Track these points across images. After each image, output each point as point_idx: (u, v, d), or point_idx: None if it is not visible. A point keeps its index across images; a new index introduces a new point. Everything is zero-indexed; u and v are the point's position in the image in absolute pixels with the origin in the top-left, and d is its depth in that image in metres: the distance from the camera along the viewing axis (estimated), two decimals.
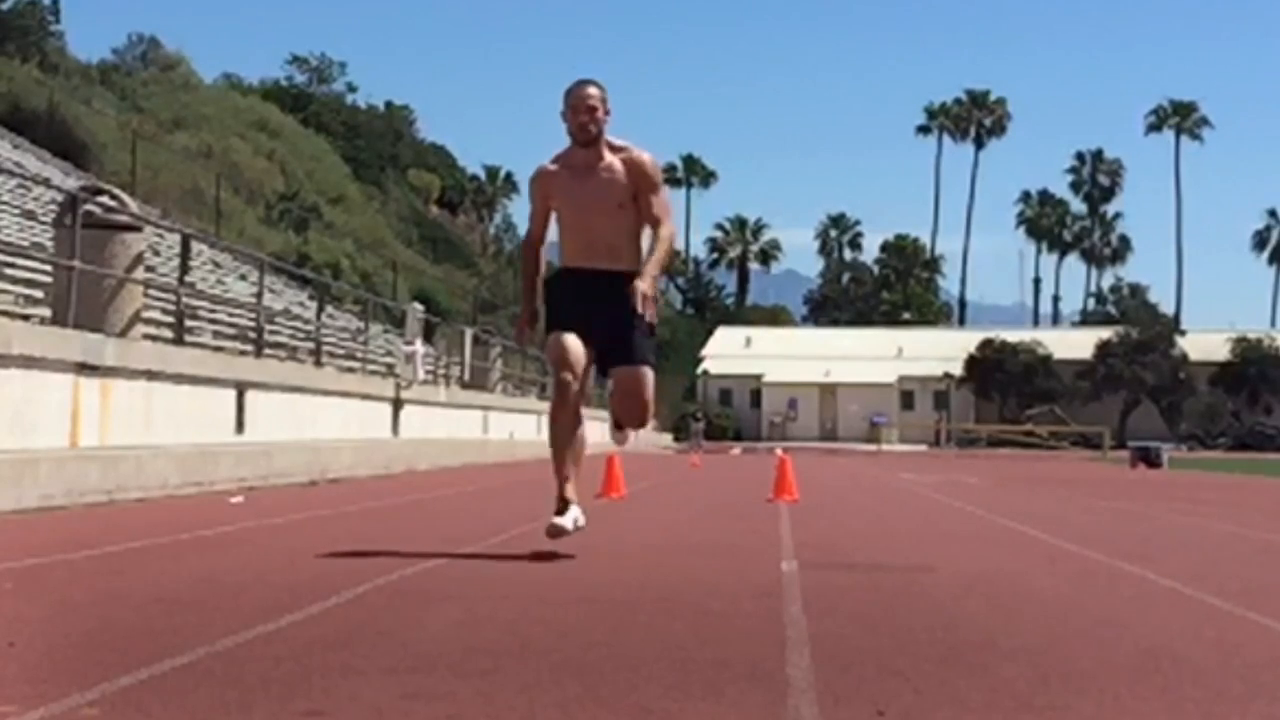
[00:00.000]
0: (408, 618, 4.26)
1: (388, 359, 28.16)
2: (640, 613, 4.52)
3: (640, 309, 5.96)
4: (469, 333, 31.03)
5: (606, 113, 6.22)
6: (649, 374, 6.27)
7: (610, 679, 3.29)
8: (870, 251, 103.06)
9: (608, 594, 4.99)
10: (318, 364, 20.79)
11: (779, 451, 22.23)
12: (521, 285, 6.59)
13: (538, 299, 6.41)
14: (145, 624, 4.06)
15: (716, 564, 6.29)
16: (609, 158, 6.21)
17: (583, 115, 6.17)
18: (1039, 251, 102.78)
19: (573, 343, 6.11)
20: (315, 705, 2.93)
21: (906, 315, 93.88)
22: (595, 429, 9.10)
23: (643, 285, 5.96)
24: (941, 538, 8.54)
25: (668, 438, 60.87)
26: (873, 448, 59.47)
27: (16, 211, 25.67)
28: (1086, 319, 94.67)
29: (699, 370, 79.28)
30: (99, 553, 6.18)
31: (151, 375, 11.89)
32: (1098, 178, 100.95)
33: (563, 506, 6.10)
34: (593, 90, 6.18)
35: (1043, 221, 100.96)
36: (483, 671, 3.35)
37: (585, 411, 6.38)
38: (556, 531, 6.07)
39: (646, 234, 6.30)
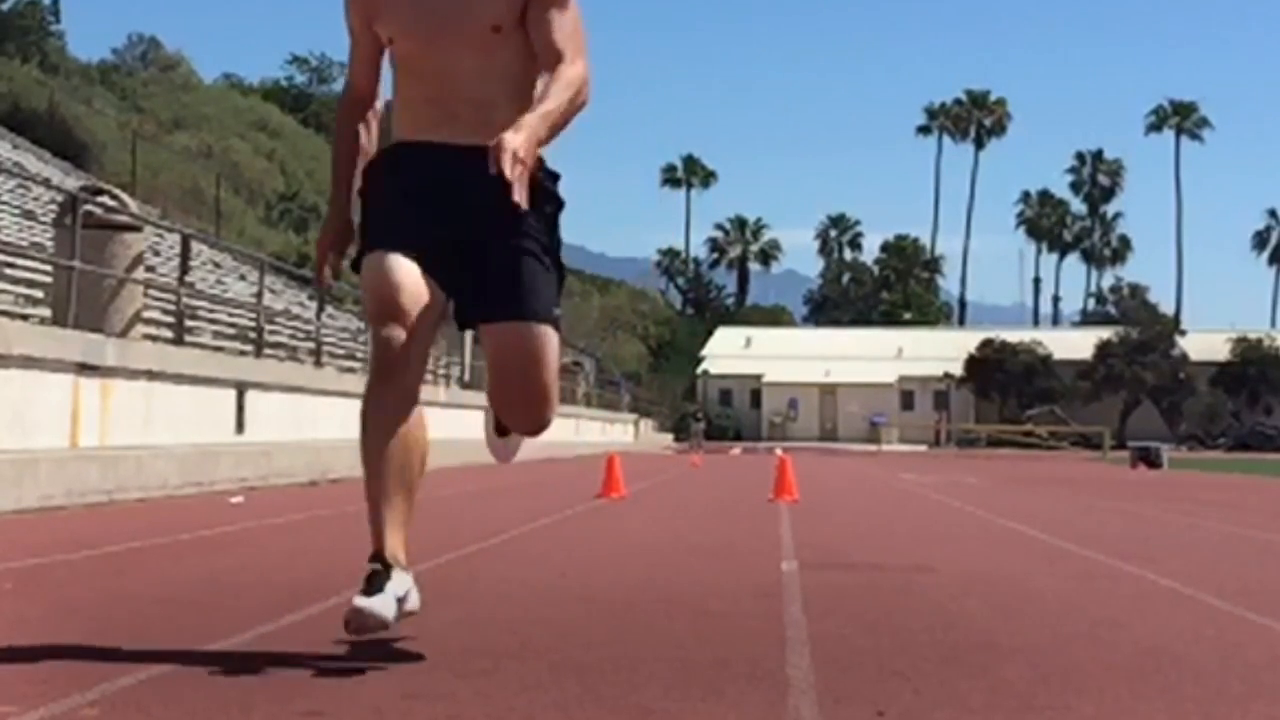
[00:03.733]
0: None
1: None
2: (640, 613, 4.52)
3: (508, 173, 3.19)
4: (469, 332, 31.02)
5: None
6: (550, 339, 3.68)
7: (610, 679, 3.29)
8: (870, 251, 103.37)
9: (608, 594, 4.99)
10: (318, 364, 20.78)
11: (779, 451, 22.25)
12: (332, 173, 3.87)
13: (354, 201, 3.77)
14: (145, 624, 4.06)
15: (716, 564, 6.29)
16: None
17: None
18: (1039, 251, 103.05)
19: (403, 271, 3.52)
20: (315, 705, 2.92)
21: (906, 315, 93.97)
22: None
23: (514, 141, 3.22)
24: (941, 538, 8.54)
25: (668, 437, 60.95)
26: (873, 448, 59.48)
27: (16, 211, 25.70)
28: (1086, 319, 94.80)
29: (699, 370, 79.35)
30: (99, 553, 6.18)
31: (151, 375, 11.88)
32: (1098, 178, 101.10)
33: (377, 573, 3.50)
34: None
35: (1043, 221, 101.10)
36: (483, 671, 3.35)
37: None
38: (361, 623, 3.37)
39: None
